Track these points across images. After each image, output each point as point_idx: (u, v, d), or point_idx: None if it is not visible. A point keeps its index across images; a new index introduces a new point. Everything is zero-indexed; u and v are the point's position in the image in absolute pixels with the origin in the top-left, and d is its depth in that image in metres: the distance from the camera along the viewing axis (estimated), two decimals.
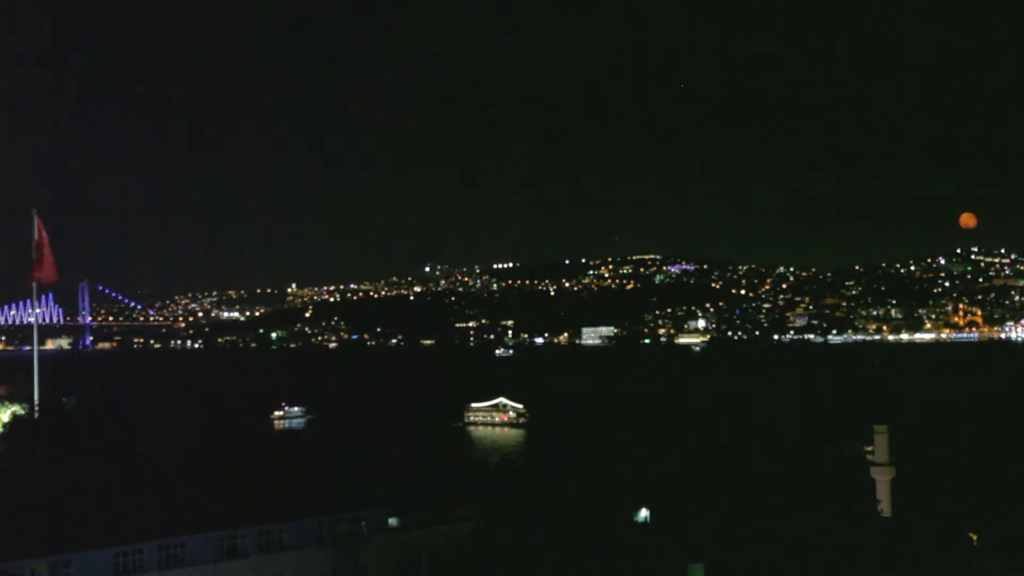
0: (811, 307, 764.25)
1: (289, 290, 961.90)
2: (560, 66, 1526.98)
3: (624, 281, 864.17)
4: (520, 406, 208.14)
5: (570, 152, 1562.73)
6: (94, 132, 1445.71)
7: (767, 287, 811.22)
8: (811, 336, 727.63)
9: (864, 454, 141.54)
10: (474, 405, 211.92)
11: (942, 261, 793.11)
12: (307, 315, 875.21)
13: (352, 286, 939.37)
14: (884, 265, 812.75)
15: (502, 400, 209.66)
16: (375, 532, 56.17)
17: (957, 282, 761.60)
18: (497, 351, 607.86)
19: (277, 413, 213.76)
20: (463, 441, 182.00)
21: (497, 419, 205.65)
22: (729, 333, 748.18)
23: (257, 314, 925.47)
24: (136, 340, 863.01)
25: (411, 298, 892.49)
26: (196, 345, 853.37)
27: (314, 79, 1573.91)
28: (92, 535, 48.15)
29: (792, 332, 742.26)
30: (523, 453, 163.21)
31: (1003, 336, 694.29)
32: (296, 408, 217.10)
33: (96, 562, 47.87)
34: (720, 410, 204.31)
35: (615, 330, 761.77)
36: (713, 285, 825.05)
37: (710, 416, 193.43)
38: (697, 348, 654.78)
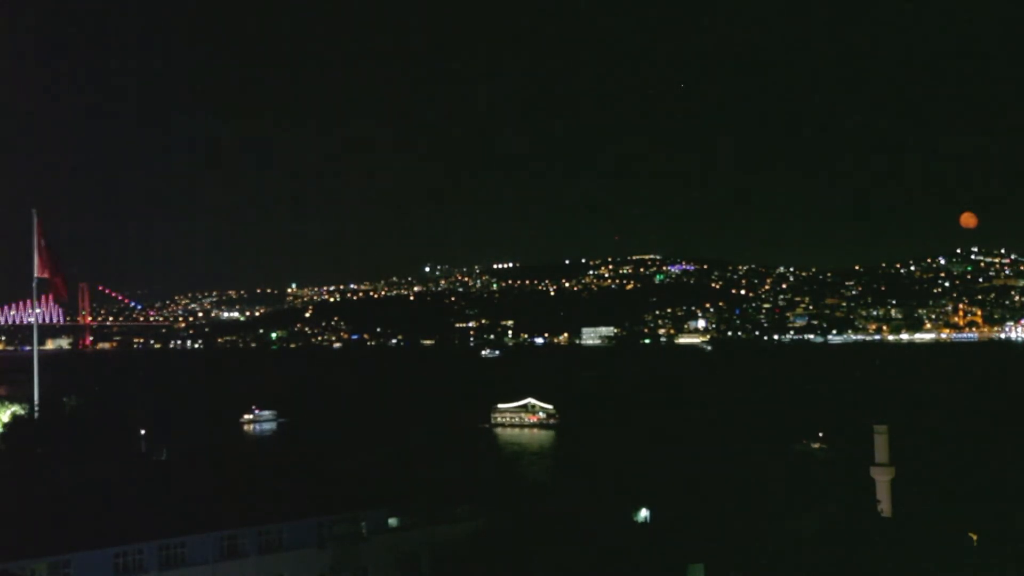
0: (811, 307, 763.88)
1: (289, 290, 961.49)
2: (560, 66, 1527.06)
3: (624, 281, 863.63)
4: (550, 407, 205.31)
5: (570, 152, 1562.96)
6: (94, 132, 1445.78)
7: (767, 287, 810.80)
8: (811, 336, 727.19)
9: (812, 451, 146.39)
10: (501, 406, 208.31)
11: (942, 261, 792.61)
12: (307, 315, 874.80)
13: (352, 286, 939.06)
14: (884, 265, 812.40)
15: (531, 401, 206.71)
16: (375, 532, 56.17)
17: (957, 282, 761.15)
18: (484, 351, 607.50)
19: (247, 416, 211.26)
20: (489, 442, 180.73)
21: (526, 420, 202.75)
22: (729, 333, 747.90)
23: (257, 314, 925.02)
24: (136, 340, 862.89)
25: (411, 298, 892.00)
26: (196, 345, 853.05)
27: (314, 79, 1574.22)
28: (92, 535, 48.14)
29: (792, 332, 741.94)
30: (541, 454, 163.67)
31: (1003, 336, 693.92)
32: (267, 412, 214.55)
33: (96, 562, 47.85)
34: (724, 412, 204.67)
35: (615, 330, 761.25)
36: (713, 285, 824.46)
37: (711, 418, 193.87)
38: (709, 348, 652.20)
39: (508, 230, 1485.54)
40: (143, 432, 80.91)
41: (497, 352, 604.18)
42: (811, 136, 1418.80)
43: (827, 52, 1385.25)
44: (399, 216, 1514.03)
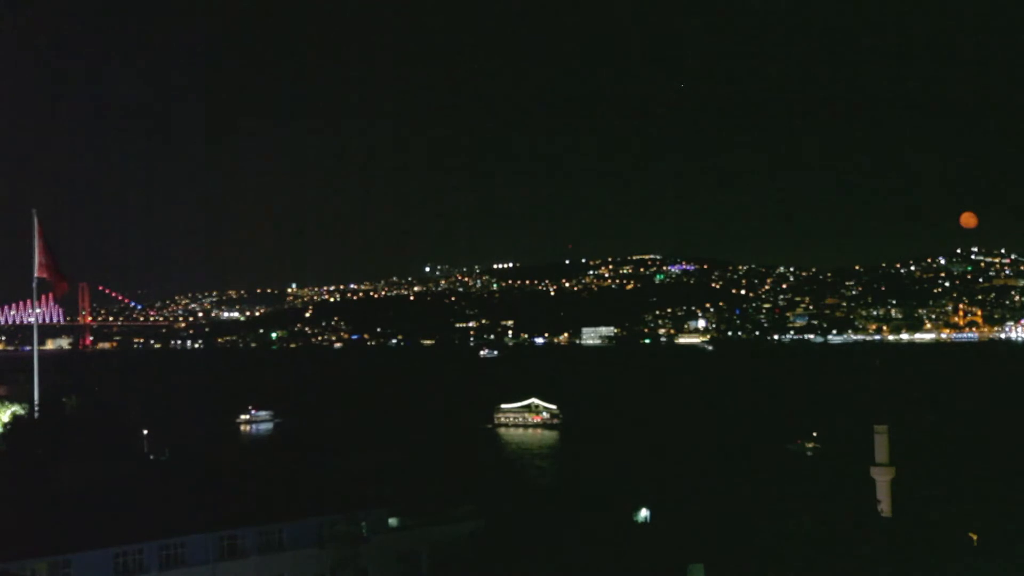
0: (811, 307, 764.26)
1: (289, 290, 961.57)
2: (560, 66, 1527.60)
3: (624, 281, 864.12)
4: (553, 407, 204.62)
5: (570, 152, 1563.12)
6: (94, 132, 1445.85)
7: (767, 287, 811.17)
8: (811, 336, 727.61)
9: (806, 451, 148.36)
10: (504, 406, 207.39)
11: (942, 261, 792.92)
12: (307, 315, 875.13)
13: (352, 286, 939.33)
14: (884, 265, 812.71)
15: (534, 401, 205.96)
16: (375, 532, 56.18)
17: (957, 282, 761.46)
18: (482, 352, 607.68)
19: (243, 417, 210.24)
20: (493, 442, 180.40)
21: (530, 420, 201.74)
22: (729, 333, 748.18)
23: (257, 314, 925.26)
24: (136, 340, 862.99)
25: (411, 298, 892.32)
26: (196, 345, 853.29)
27: (315, 78, 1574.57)
28: (92, 535, 48.12)
29: (792, 332, 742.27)
30: (543, 454, 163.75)
31: (1003, 336, 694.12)
32: (263, 412, 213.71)
33: (96, 562, 47.84)
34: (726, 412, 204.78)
35: (615, 330, 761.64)
36: (713, 285, 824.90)
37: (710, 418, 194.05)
38: (710, 348, 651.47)
39: (508, 230, 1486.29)
40: (145, 432, 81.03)
41: (495, 352, 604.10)
42: (812, 136, 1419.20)
43: (827, 52, 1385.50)
44: (399, 216, 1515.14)
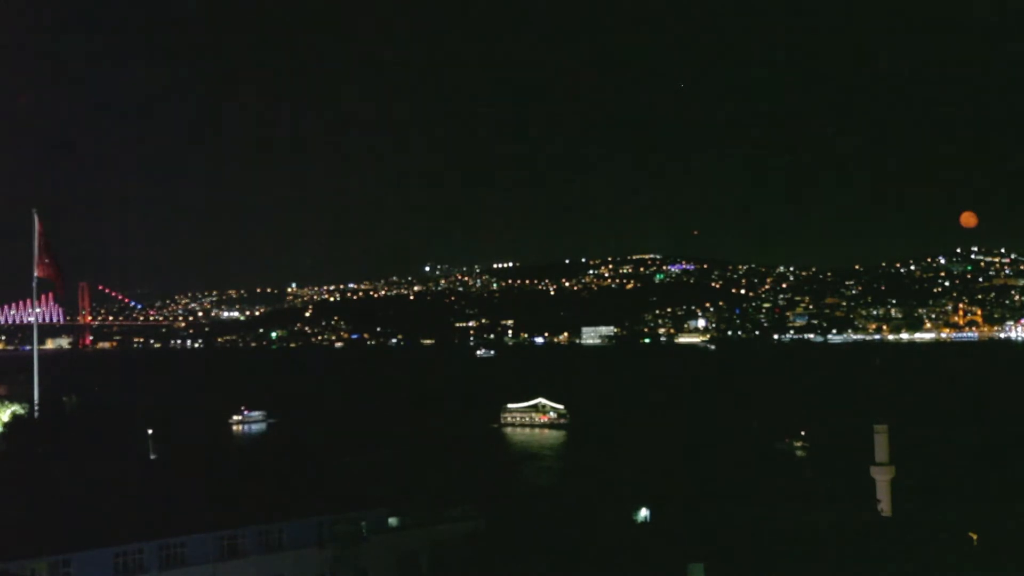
0: (811, 307, 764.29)
1: (289, 290, 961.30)
2: (560, 65, 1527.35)
3: (624, 281, 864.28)
4: (560, 407, 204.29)
5: (570, 152, 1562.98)
6: (94, 131, 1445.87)
7: (767, 287, 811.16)
8: (811, 336, 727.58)
9: (794, 449, 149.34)
10: (511, 406, 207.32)
11: (942, 261, 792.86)
12: (307, 315, 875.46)
13: (352, 286, 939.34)
14: (884, 265, 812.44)
15: (541, 400, 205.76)
16: (375, 532, 56.19)
17: (957, 282, 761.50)
18: (479, 351, 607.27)
19: (236, 417, 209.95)
20: (499, 442, 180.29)
21: (537, 420, 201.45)
22: (729, 333, 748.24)
23: (257, 314, 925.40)
24: (136, 340, 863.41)
25: (411, 298, 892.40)
26: (196, 345, 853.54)
27: (315, 78, 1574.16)
28: (92, 535, 48.11)
29: (792, 332, 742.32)
30: (549, 455, 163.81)
31: (1003, 336, 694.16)
32: (256, 412, 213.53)
33: (96, 562, 47.84)
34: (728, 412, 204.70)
35: (615, 330, 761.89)
36: (713, 285, 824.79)
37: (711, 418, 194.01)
38: (712, 347, 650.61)
39: (508, 230, 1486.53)
40: (150, 432, 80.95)
41: (492, 352, 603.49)
42: (812, 135, 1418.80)
43: (827, 51, 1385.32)
44: (399, 216, 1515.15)
